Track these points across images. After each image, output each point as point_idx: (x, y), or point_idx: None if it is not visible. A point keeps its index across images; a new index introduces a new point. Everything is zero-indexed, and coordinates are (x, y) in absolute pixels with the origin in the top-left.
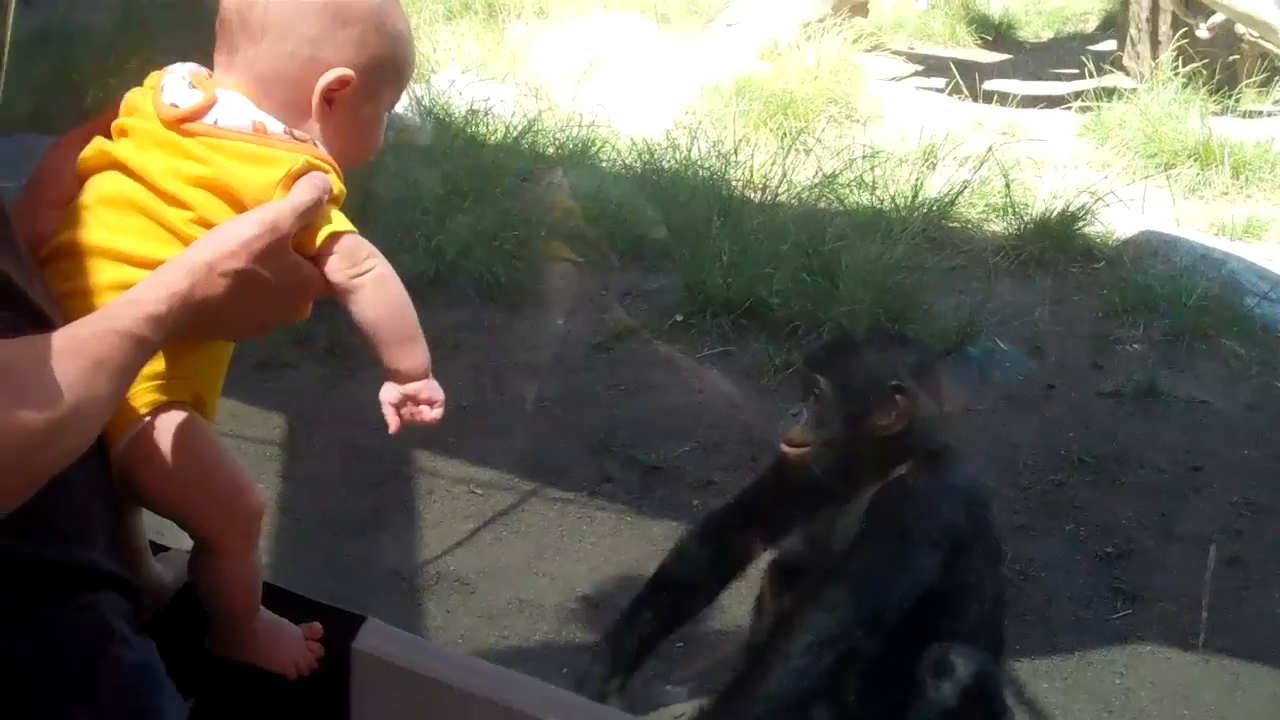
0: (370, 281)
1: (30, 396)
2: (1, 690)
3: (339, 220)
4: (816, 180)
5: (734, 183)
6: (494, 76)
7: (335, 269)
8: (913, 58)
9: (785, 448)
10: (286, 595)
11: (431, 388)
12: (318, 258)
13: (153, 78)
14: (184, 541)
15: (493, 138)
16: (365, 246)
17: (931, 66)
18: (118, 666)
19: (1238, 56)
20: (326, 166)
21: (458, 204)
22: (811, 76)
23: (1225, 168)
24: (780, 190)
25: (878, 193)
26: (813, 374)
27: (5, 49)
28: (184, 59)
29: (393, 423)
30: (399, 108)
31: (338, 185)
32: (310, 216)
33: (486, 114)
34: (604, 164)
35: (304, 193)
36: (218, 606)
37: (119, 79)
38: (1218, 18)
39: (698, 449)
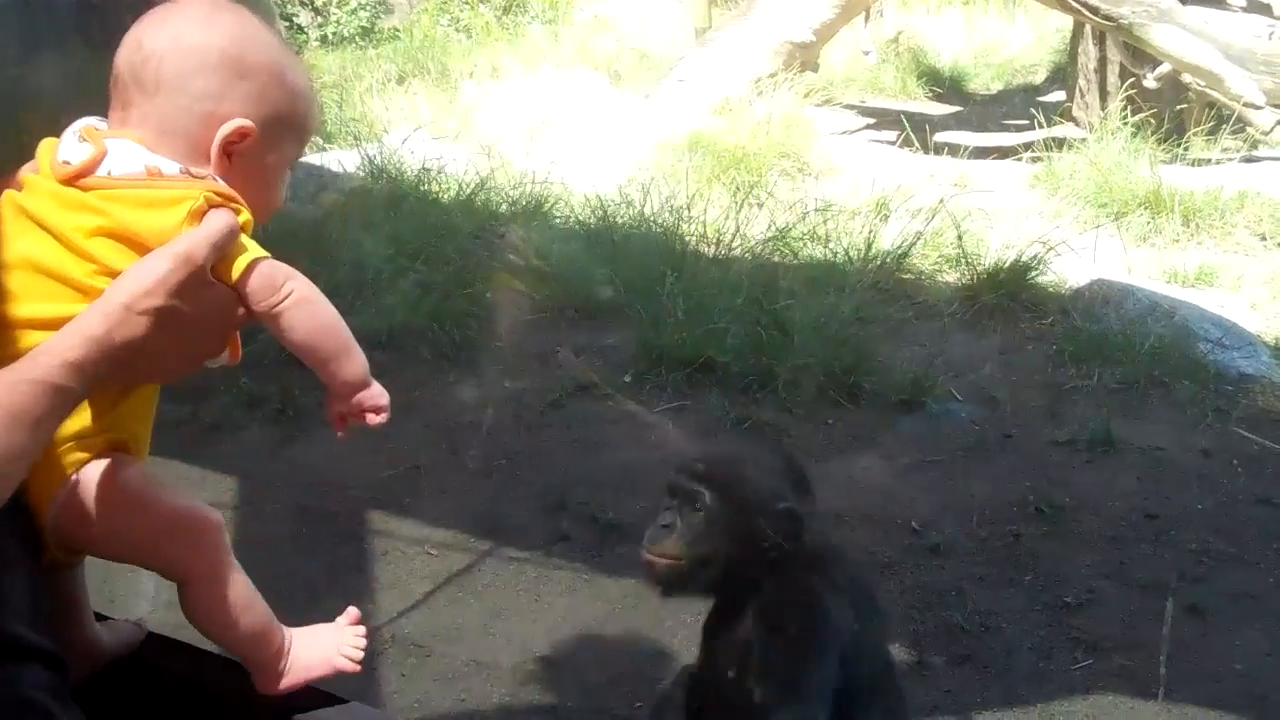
0: (293, 304)
1: None
2: None
3: (253, 248)
4: (770, 234)
5: (687, 238)
6: (446, 135)
7: (256, 298)
8: (864, 111)
9: (650, 557)
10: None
11: (374, 395)
12: (237, 288)
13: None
14: (131, 611)
15: (445, 196)
16: (282, 270)
17: (883, 120)
18: None
19: (1185, 105)
20: (228, 199)
21: (409, 263)
22: (763, 131)
23: (1175, 215)
24: (734, 245)
25: (831, 245)
26: (694, 486)
27: None
28: None
29: (340, 430)
30: (350, 166)
31: (244, 214)
32: (225, 247)
33: (439, 173)
34: (557, 221)
35: (217, 223)
36: (232, 642)
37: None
38: (1165, 68)
39: (655, 505)
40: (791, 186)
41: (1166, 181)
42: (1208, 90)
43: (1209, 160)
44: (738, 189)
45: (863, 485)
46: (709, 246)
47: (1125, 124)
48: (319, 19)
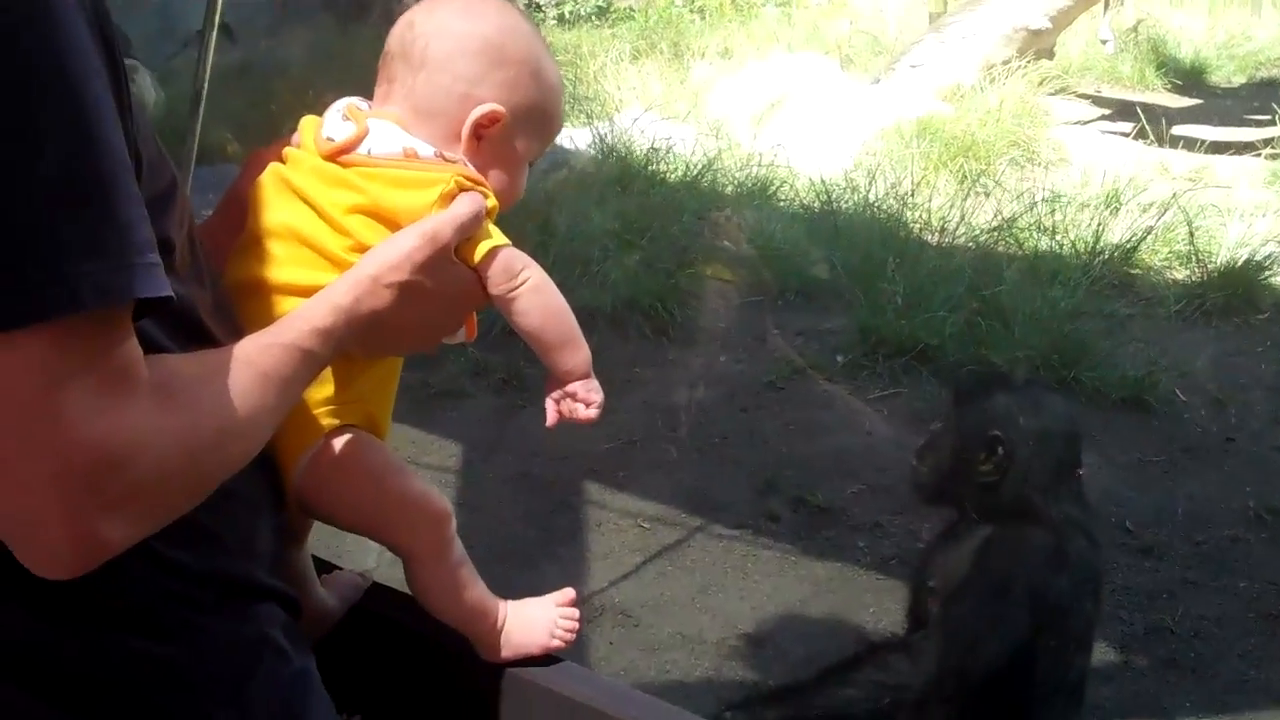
0: (527, 291)
1: (203, 406)
2: (152, 692)
3: (496, 235)
4: (995, 223)
5: (911, 224)
6: (676, 115)
7: (494, 281)
8: (1099, 101)
9: (914, 462)
10: None
11: (588, 387)
12: (477, 271)
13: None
14: (359, 564)
15: (672, 176)
16: (521, 258)
17: (1118, 110)
18: (273, 678)
19: None
20: (477, 184)
21: (634, 240)
22: (994, 119)
23: None
24: (958, 233)
25: (1058, 237)
26: (950, 400)
27: (205, 84)
28: (369, 91)
29: (550, 416)
30: (582, 144)
31: (491, 200)
32: (470, 230)
33: (667, 152)
34: (781, 204)
35: (464, 206)
36: (450, 618)
37: (314, 111)
38: None
39: (865, 491)
40: (1020, 176)
41: None
42: None
43: None
44: (964, 177)
45: None
46: (932, 234)
47: None
48: None
